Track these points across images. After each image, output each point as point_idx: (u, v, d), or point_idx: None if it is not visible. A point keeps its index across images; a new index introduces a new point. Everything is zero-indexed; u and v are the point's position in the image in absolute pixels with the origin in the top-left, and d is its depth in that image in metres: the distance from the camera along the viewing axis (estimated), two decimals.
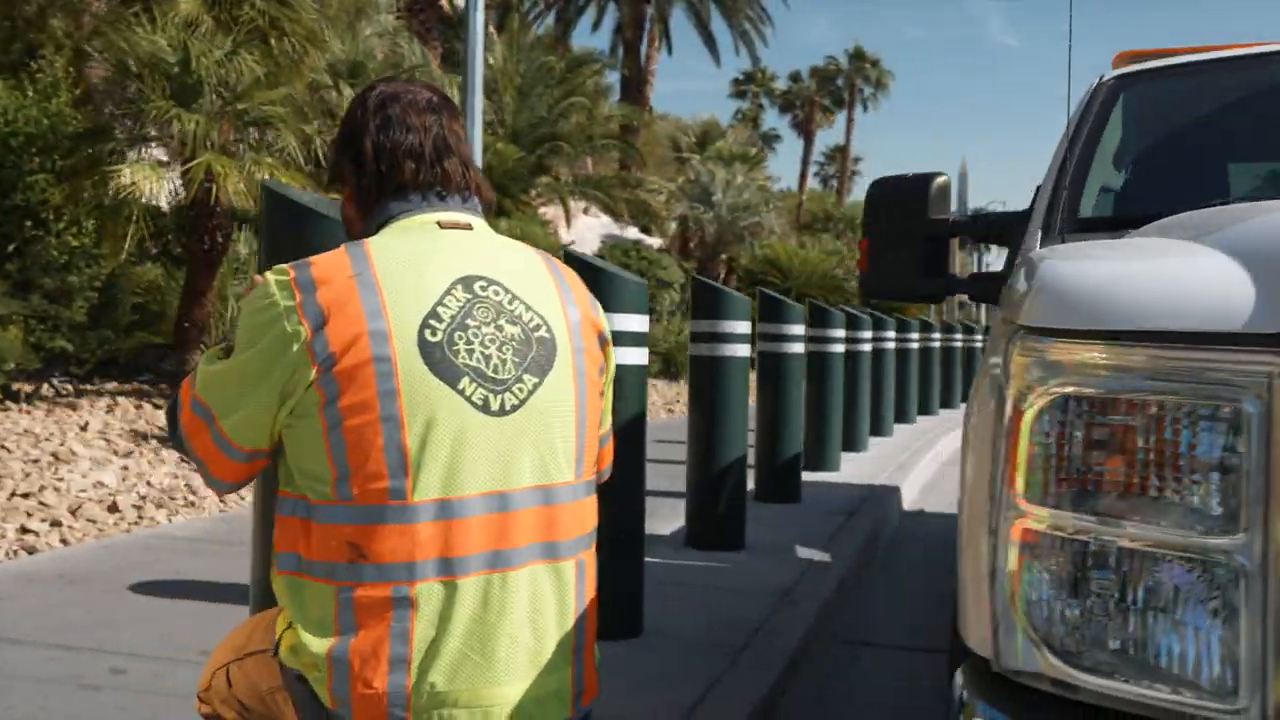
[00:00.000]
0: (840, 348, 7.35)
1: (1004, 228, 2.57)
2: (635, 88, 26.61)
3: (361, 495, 1.37)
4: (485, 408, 1.41)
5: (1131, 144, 2.62)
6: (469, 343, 1.41)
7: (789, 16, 68.93)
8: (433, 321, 1.40)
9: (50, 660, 3.01)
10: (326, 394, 1.36)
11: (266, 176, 6.78)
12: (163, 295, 8.17)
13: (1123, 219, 2.24)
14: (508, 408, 1.43)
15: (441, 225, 1.50)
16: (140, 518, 5.09)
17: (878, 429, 9.17)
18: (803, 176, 48.92)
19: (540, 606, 1.46)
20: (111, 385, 8.32)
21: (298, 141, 7.17)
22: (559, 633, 1.49)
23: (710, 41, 28.68)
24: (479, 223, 1.55)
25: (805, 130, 50.92)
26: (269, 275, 1.43)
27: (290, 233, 1.95)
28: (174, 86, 6.69)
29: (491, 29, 19.41)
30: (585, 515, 1.54)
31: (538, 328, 1.48)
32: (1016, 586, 1.27)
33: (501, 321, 1.45)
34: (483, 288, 1.45)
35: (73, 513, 4.99)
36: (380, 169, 1.52)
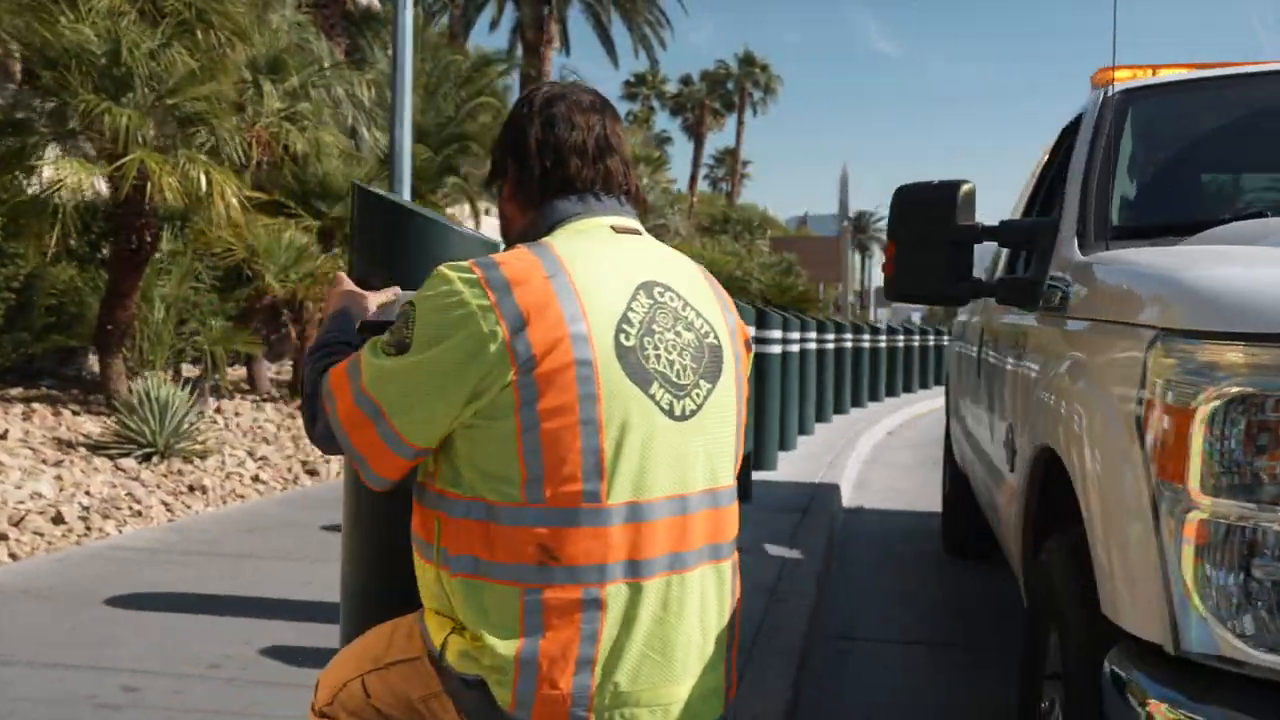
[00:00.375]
0: (778, 348, 7.49)
1: (1030, 235, 2.68)
2: None
3: (554, 498, 1.37)
4: (670, 412, 1.43)
5: (1141, 155, 2.76)
6: (656, 348, 1.43)
7: (679, 19, 69.53)
8: (625, 326, 1.41)
9: (54, 680, 2.88)
10: (523, 396, 1.35)
11: (202, 175, 6.55)
12: (80, 296, 7.80)
13: (1159, 226, 2.36)
14: (687, 413, 1.45)
15: (615, 230, 1.51)
16: (88, 529, 4.88)
17: (802, 428, 9.36)
18: (693, 179, 49.47)
19: (706, 606, 1.49)
20: (17, 391, 7.92)
21: (230, 138, 6.95)
22: (718, 630, 1.52)
23: (609, 43, 28.82)
24: (641, 228, 1.57)
25: (696, 133, 51.53)
26: (449, 272, 1.41)
27: (387, 235, 1.91)
28: (102, 79, 6.40)
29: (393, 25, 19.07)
30: (736, 517, 1.58)
31: (708, 334, 1.51)
32: (1193, 575, 1.34)
33: (679, 328, 1.47)
34: (660, 293, 1.47)
35: (16, 525, 4.75)
36: (545, 164, 1.52)
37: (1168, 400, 1.42)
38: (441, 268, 1.43)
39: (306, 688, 2.87)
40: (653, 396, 1.41)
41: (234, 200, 6.75)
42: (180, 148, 6.60)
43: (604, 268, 1.44)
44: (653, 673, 1.43)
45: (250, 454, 6.88)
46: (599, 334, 1.38)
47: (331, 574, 4.20)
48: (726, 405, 1.51)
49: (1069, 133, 3.28)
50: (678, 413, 1.44)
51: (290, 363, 11.08)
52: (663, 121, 57.20)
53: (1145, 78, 2.92)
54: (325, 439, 1.52)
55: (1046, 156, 3.61)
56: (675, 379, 1.44)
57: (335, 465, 7.01)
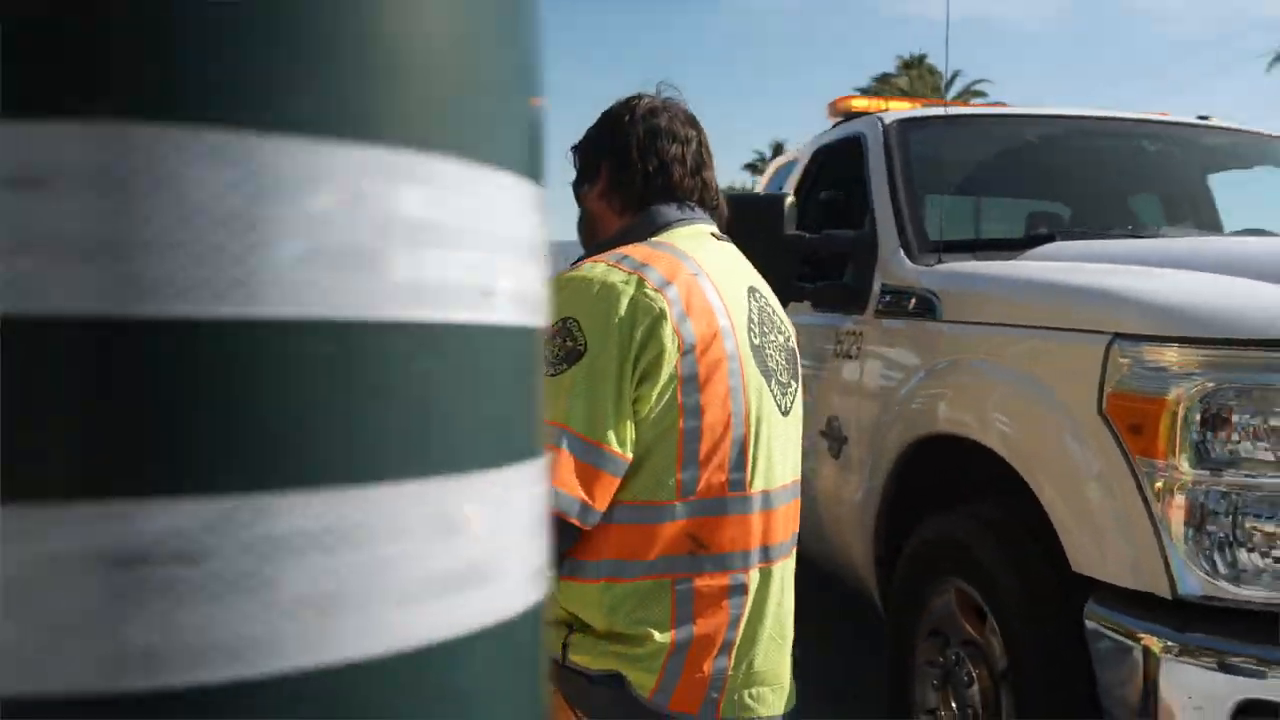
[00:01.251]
0: None
1: (849, 247, 2.99)
2: None
3: (705, 489, 1.41)
4: (780, 407, 1.53)
5: (921, 179, 3.18)
6: (768, 347, 1.53)
7: None
8: (751, 326, 1.50)
9: None
10: (685, 388, 1.38)
11: None
12: None
13: (972, 243, 2.78)
14: (788, 408, 1.56)
15: (714, 237, 1.57)
16: None
17: None
18: None
19: (793, 589, 1.61)
20: None
21: None
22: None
23: None
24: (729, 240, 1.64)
25: None
26: (591, 275, 1.39)
27: None
28: None
29: None
30: None
31: (789, 339, 1.63)
32: (1182, 534, 1.66)
33: (774, 331, 1.57)
34: (759, 298, 1.57)
35: None
36: (648, 169, 1.55)
37: (1137, 391, 1.74)
38: (579, 273, 1.41)
39: None
40: (773, 393, 1.51)
41: None
42: None
43: (724, 270, 1.52)
44: (774, 652, 1.52)
45: None
46: (739, 331, 1.46)
47: None
48: (799, 404, 1.64)
49: (831, 154, 3.68)
50: (783, 408, 1.55)
51: None
52: None
53: (908, 110, 3.36)
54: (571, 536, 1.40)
55: (799, 174, 3.97)
56: (780, 377, 1.55)
57: None
